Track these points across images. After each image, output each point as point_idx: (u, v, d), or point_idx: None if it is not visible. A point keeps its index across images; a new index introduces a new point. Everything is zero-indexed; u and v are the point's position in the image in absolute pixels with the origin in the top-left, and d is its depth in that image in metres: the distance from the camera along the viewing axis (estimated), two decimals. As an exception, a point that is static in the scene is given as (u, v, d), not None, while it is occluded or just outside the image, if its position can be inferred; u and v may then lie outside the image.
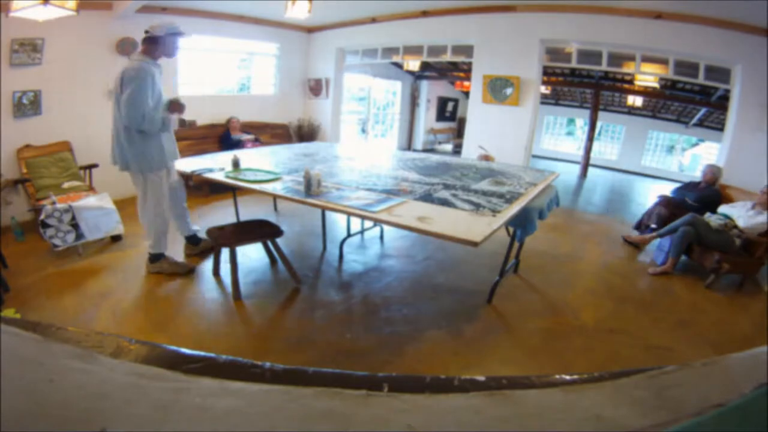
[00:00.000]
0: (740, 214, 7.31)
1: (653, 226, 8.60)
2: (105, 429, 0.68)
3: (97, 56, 9.09)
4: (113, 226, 7.20)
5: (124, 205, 8.04)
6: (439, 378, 0.81)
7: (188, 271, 6.46)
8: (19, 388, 0.75)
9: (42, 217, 6.46)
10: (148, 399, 0.74)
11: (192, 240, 7.02)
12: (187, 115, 6.26)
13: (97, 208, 6.99)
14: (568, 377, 0.82)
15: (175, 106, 5.81)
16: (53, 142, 8.47)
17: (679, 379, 0.81)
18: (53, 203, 6.71)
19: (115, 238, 7.39)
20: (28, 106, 8.14)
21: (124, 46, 9.32)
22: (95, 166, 8.60)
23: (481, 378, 0.80)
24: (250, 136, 11.39)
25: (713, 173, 8.60)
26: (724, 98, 12.30)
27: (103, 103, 9.22)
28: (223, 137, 11.13)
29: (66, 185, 7.91)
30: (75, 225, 6.68)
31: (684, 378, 0.82)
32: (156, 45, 5.66)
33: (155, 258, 6.38)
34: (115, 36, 9.24)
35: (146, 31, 5.64)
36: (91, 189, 8.14)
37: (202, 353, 0.85)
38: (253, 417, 0.72)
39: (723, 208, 7.70)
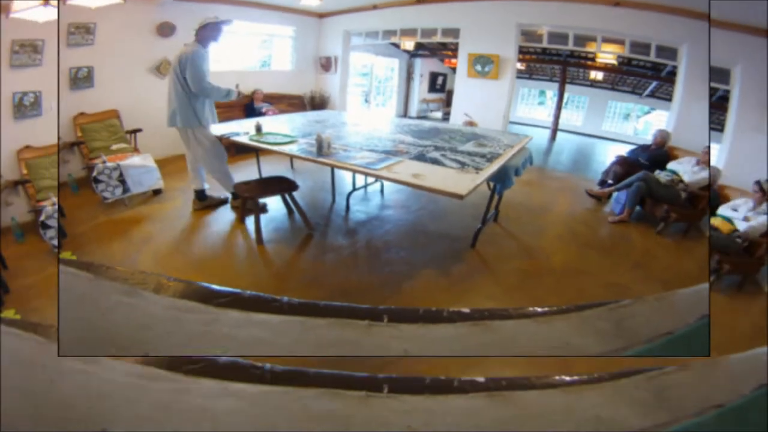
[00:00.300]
0: (686, 170, 7.48)
1: (610, 181, 8.64)
2: (106, 429, 0.67)
3: (141, 38, 9.13)
4: (155, 182, 7.31)
5: (164, 164, 8.05)
6: (439, 379, 0.80)
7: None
8: (77, 319, 0.74)
9: (94, 174, 6.61)
10: (184, 330, 0.74)
11: (199, 195, 6.98)
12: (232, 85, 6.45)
13: (141, 167, 7.08)
14: (567, 378, 0.81)
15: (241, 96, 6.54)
16: (104, 110, 8.52)
17: (679, 379, 0.80)
18: (104, 162, 6.79)
19: (156, 192, 7.46)
20: (82, 80, 8.19)
21: (163, 29, 9.32)
22: (139, 130, 8.73)
23: (481, 379, 0.79)
24: (270, 106, 11.39)
25: (663, 137, 8.78)
26: (672, 73, 12.32)
27: (146, 78, 9.39)
28: (247, 107, 11.12)
29: (114, 147, 7.98)
30: (122, 181, 6.79)
31: (684, 378, 0.80)
32: (202, 33, 6.03)
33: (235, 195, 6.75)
34: (156, 21, 9.25)
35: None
36: (136, 150, 8.23)
37: (230, 289, 0.85)
38: (254, 418, 0.71)
39: (671, 165, 7.85)
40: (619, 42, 9.79)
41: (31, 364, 0.81)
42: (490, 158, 5.26)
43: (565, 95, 19.24)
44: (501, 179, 5.44)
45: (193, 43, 6.00)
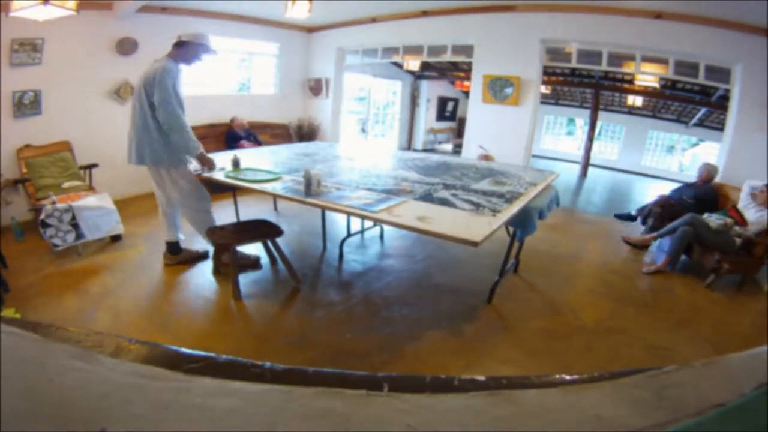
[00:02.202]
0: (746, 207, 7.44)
1: (639, 216, 8.88)
2: (105, 429, 0.68)
3: (97, 56, 9.09)
4: (113, 226, 7.19)
5: (125, 205, 8.07)
6: (439, 378, 0.81)
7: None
8: (19, 388, 0.75)
9: (42, 216, 6.45)
10: (147, 399, 0.74)
11: (172, 248, 6.74)
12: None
13: (97, 208, 6.98)
14: (568, 377, 0.82)
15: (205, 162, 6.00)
16: (53, 141, 8.46)
17: (679, 379, 0.81)
18: (53, 203, 6.70)
19: (115, 238, 7.38)
20: (28, 105, 8.13)
21: (123, 46, 9.32)
22: (95, 165, 8.62)
23: (481, 378, 0.80)
24: (249, 138, 11.33)
25: (708, 171, 8.70)
26: (725, 98, 12.33)
27: (103, 103, 9.33)
28: (228, 136, 11.10)
29: (66, 185, 7.88)
30: (75, 225, 6.67)
31: (684, 378, 0.82)
32: (179, 49, 5.80)
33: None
34: (115, 36, 9.23)
35: (178, 36, 5.83)
36: (91, 189, 8.11)
37: (202, 353, 0.85)
38: (253, 417, 0.72)
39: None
40: (662, 61, 9.73)
41: (30, 363, 0.83)
42: (510, 198, 5.24)
43: (598, 124, 19.29)
44: (522, 223, 5.35)
45: (164, 58, 5.75)
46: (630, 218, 9.58)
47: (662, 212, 8.46)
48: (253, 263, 6.63)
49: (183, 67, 5.89)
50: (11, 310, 5.13)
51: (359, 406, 0.75)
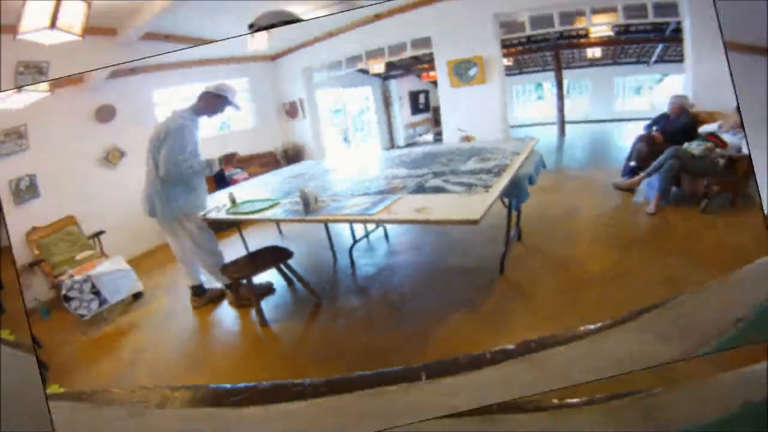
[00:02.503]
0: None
1: (632, 164, 8.52)
2: None
3: (80, 130, 8.95)
4: (132, 285, 7.12)
5: (139, 263, 8.03)
6: (471, 355, 0.82)
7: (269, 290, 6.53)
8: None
9: (63, 291, 6.43)
10: (203, 439, 0.75)
11: (197, 291, 6.72)
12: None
13: (114, 272, 6.93)
14: (592, 326, 0.83)
15: (229, 159, 5.94)
16: (58, 219, 8.38)
17: (693, 305, 0.82)
18: (71, 276, 6.67)
19: (137, 296, 7.26)
20: (25, 191, 8.04)
21: (102, 114, 9.20)
22: (102, 232, 8.49)
23: (511, 346, 0.81)
24: (242, 171, 11.31)
25: (680, 103, 8.45)
26: (678, 30, 12.32)
27: (95, 172, 9.23)
28: (217, 177, 10.97)
29: (79, 257, 7.79)
30: (96, 292, 6.62)
31: (697, 302, 0.83)
32: (205, 102, 5.85)
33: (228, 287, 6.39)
34: (92, 106, 9.08)
35: (205, 87, 5.84)
36: (103, 255, 8.02)
37: (243, 384, 0.86)
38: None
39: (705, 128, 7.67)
40: (611, 10, 9.74)
41: (85, 429, 0.85)
42: (498, 172, 5.26)
43: (565, 82, 19.23)
44: (516, 192, 5.38)
45: (184, 110, 5.77)
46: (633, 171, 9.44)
47: (646, 148, 8.36)
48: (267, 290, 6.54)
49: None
50: (6, 331, 5.16)
51: (401, 399, 0.76)
